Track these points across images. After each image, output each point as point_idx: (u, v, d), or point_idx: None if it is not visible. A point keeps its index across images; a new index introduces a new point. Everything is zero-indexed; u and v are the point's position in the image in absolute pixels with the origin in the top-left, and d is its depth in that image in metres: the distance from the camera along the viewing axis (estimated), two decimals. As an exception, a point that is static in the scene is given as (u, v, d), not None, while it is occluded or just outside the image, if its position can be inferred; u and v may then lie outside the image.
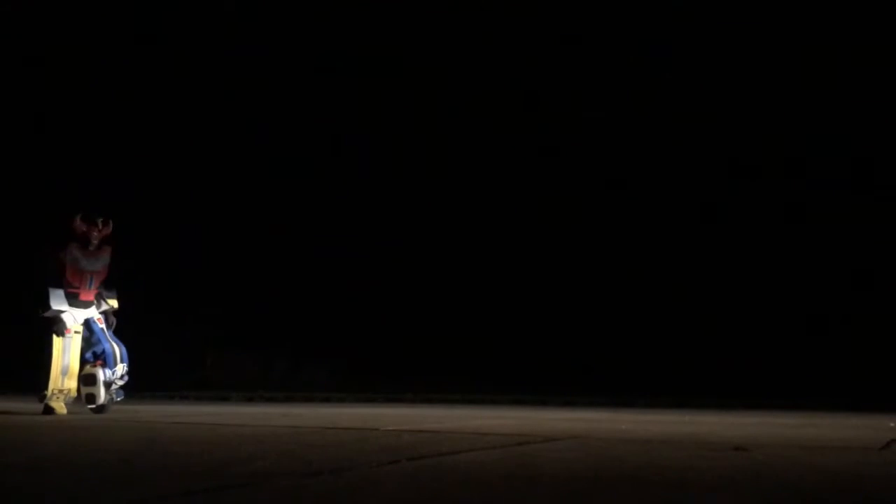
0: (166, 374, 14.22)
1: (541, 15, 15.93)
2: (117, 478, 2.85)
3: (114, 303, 7.51)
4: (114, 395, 7.24)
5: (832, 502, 2.43)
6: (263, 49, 16.76)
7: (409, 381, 13.20)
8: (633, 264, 15.05)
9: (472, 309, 15.38)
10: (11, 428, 5.48)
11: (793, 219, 14.55)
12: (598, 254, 15.20)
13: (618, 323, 14.56)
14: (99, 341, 7.27)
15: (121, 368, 7.25)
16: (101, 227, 7.37)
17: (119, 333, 7.50)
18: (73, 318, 7.22)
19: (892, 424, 6.07)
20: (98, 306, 7.40)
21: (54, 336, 7.11)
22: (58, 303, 7.15)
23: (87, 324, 7.30)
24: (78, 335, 7.23)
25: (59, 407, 7.08)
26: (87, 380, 7.15)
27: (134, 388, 7.40)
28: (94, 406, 7.12)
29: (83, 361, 7.23)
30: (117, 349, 7.29)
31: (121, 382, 7.28)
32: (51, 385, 7.03)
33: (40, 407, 7.09)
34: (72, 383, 7.14)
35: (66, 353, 7.13)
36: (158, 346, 13.89)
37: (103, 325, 7.35)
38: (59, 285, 7.19)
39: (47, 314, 7.12)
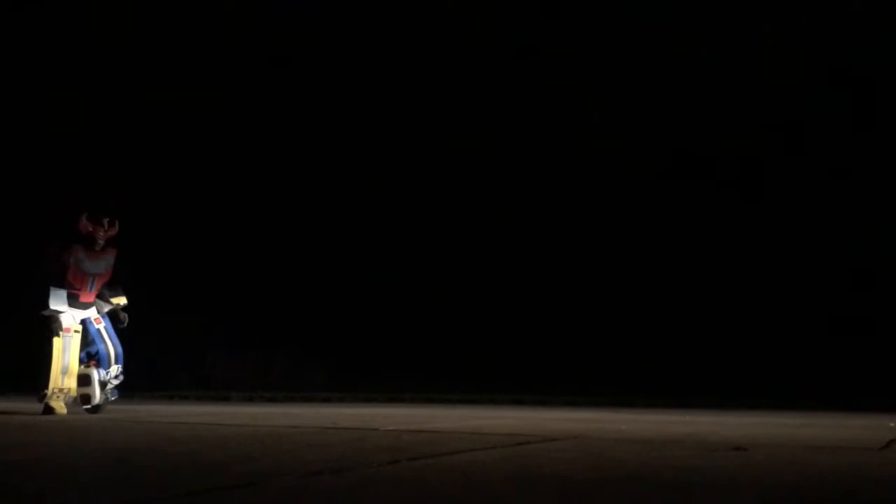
0: (166, 374, 14.24)
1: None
2: (117, 478, 2.85)
3: (122, 300, 7.47)
4: (109, 395, 7.22)
5: (832, 502, 2.43)
6: (264, 48, 16.77)
7: (409, 381, 13.21)
8: (632, 264, 15.05)
9: (472, 309, 15.37)
10: (11, 428, 5.48)
11: (792, 219, 14.54)
12: (598, 254, 15.19)
13: (617, 323, 14.56)
14: (94, 342, 7.25)
15: (115, 369, 7.24)
16: (107, 227, 7.28)
17: (119, 333, 7.48)
18: (72, 317, 7.22)
19: (892, 424, 6.07)
20: (99, 308, 7.37)
21: (53, 335, 7.10)
22: (57, 303, 7.13)
23: (84, 324, 7.27)
24: (77, 334, 7.20)
25: (59, 406, 7.08)
26: (82, 380, 7.14)
27: (134, 388, 7.39)
28: (89, 406, 7.12)
29: (79, 362, 7.22)
30: (112, 349, 7.27)
31: (115, 382, 7.26)
32: (51, 385, 7.01)
33: (40, 407, 7.08)
34: (71, 382, 7.12)
35: (65, 353, 7.11)
36: (158, 346, 13.90)
37: (99, 326, 7.32)
38: (60, 285, 7.17)
39: (45, 312, 7.11)
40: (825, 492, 2.60)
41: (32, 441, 4.42)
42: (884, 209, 13.81)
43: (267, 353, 16.08)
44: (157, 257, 14.17)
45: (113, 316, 7.45)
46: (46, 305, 7.09)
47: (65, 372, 7.09)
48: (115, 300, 7.40)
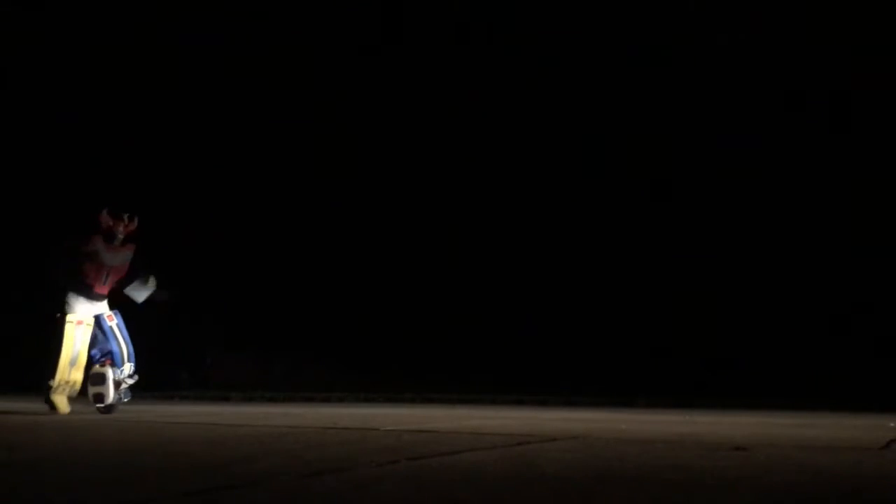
0: (166, 374, 14.23)
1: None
2: (117, 478, 2.85)
3: (151, 285, 7.46)
4: (122, 395, 7.16)
5: (832, 502, 2.43)
6: (267, 47, 16.77)
7: (409, 381, 13.20)
8: (632, 265, 15.05)
9: (472, 309, 15.38)
10: (11, 428, 5.48)
11: (792, 219, 14.55)
12: (598, 254, 15.20)
13: (618, 323, 14.56)
14: (107, 340, 7.23)
15: (128, 367, 7.21)
16: (126, 222, 7.33)
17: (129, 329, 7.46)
18: (86, 310, 7.18)
19: (892, 424, 6.07)
20: (136, 297, 7.37)
21: (65, 327, 7.02)
22: (76, 305, 7.14)
23: (97, 321, 7.23)
24: (89, 328, 7.16)
25: (62, 402, 7.01)
26: (95, 379, 7.07)
27: (134, 387, 7.35)
28: (102, 405, 7.03)
29: (91, 360, 7.17)
30: (124, 348, 7.25)
31: (130, 381, 7.20)
32: (58, 375, 6.94)
33: (42, 405, 7.02)
34: (78, 375, 7.08)
35: (76, 344, 7.07)
36: (158, 346, 13.89)
37: (112, 324, 7.29)
38: (78, 289, 7.15)
39: (65, 316, 7.08)
40: (825, 492, 2.60)
41: (32, 441, 4.42)
42: (884, 209, 13.82)
43: (267, 353, 16.08)
44: (156, 257, 14.15)
45: (152, 298, 7.45)
46: (63, 306, 7.09)
47: (73, 363, 7.04)
48: (148, 282, 7.41)
